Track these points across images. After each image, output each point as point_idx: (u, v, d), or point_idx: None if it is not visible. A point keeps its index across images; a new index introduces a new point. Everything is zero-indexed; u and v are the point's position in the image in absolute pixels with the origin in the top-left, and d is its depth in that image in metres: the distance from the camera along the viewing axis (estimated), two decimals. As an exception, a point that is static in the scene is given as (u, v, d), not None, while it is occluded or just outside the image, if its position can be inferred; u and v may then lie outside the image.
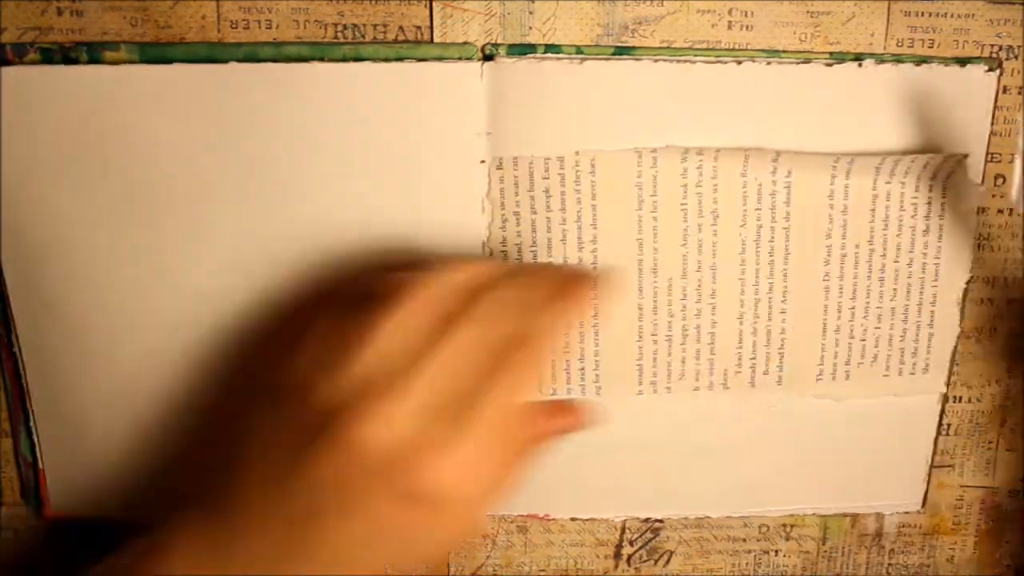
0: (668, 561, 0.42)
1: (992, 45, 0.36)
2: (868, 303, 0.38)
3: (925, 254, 0.37)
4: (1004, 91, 0.36)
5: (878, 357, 0.39)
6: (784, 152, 0.36)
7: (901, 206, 0.37)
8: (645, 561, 0.42)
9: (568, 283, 0.32)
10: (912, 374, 0.39)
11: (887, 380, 0.39)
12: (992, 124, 0.37)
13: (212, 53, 0.35)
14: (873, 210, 0.37)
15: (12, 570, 0.42)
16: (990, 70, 0.36)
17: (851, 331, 0.38)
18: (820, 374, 0.39)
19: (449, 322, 0.30)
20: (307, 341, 0.31)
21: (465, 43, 0.36)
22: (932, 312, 0.38)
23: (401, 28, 0.36)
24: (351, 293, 0.32)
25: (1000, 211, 0.38)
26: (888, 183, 0.36)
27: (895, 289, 0.38)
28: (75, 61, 0.35)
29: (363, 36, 0.36)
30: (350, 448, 0.29)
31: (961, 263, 0.38)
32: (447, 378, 0.29)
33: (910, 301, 0.38)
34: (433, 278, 0.31)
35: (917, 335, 0.39)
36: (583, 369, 0.38)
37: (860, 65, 0.35)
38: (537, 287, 0.32)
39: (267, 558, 0.29)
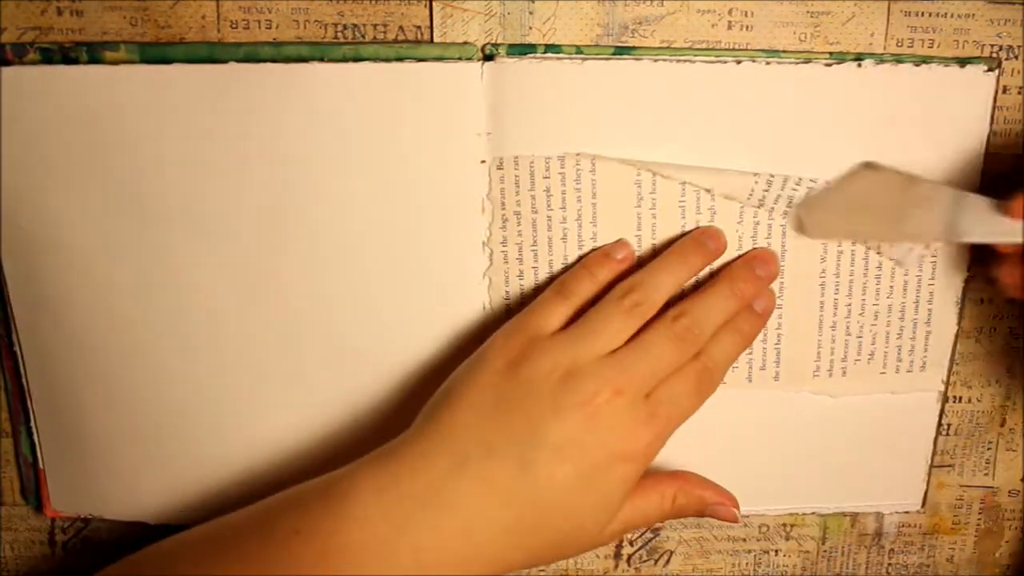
0: (668, 561, 0.42)
1: (992, 45, 0.36)
2: (865, 300, 0.38)
3: (922, 252, 0.37)
4: (1004, 91, 0.36)
5: (875, 354, 0.39)
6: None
7: (899, 204, 0.37)
8: (645, 561, 0.42)
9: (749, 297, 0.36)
10: (909, 372, 0.39)
11: (884, 377, 0.39)
12: (992, 124, 0.37)
13: (212, 53, 0.35)
14: (871, 207, 0.37)
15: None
16: (990, 70, 0.36)
17: (848, 328, 0.38)
18: (817, 370, 0.39)
19: (653, 324, 0.35)
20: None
21: (465, 43, 0.36)
22: (929, 310, 0.38)
23: (401, 28, 0.36)
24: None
25: (1000, 211, 0.38)
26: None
27: (892, 287, 0.38)
28: (75, 61, 0.35)
29: (363, 36, 0.36)
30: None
31: (959, 262, 0.38)
32: (646, 367, 0.34)
33: (907, 299, 0.38)
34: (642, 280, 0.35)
35: (914, 333, 0.39)
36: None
37: (860, 65, 0.35)
38: (727, 303, 0.36)
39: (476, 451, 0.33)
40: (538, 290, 0.37)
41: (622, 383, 0.33)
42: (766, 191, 0.36)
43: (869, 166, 0.36)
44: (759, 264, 0.36)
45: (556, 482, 0.32)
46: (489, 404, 0.33)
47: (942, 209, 0.34)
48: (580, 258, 0.37)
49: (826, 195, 0.36)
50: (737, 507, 0.37)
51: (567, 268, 0.37)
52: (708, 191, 0.36)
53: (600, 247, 0.37)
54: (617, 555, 0.42)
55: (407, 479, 0.32)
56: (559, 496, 0.33)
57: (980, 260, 0.37)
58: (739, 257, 0.37)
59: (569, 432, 0.32)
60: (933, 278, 0.38)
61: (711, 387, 0.35)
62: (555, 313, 0.35)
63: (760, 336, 0.38)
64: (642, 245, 0.37)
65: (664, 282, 0.35)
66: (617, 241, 0.37)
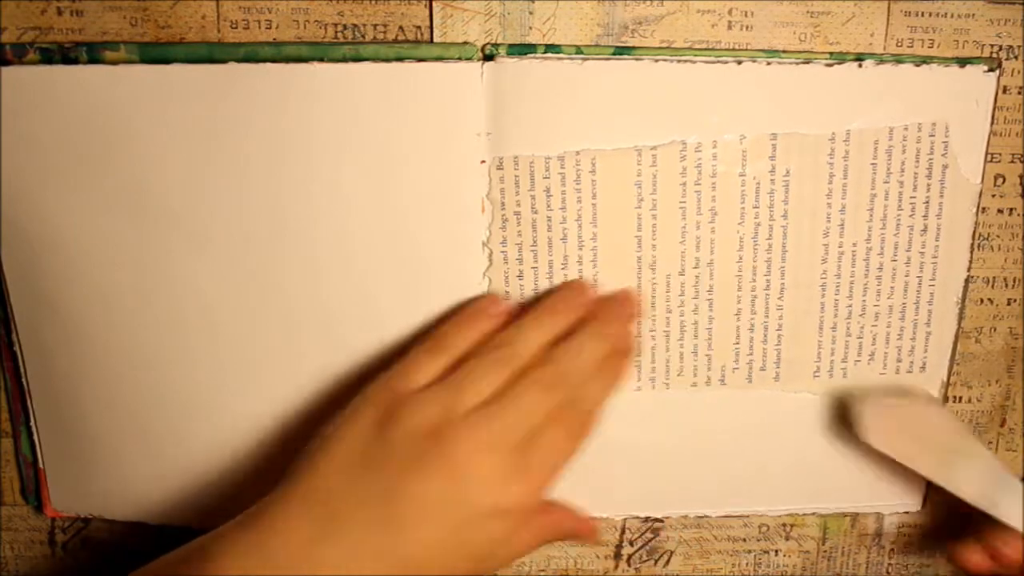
0: (668, 561, 0.42)
1: (992, 45, 0.36)
2: (865, 301, 0.38)
3: (923, 253, 0.38)
4: (1004, 91, 0.36)
5: (875, 355, 0.39)
6: (781, 135, 0.36)
7: (899, 205, 0.37)
8: (645, 561, 0.42)
9: (616, 339, 0.36)
10: (910, 372, 0.39)
11: (884, 378, 0.39)
12: (992, 124, 0.37)
13: (212, 53, 0.35)
14: (871, 209, 0.37)
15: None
16: (990, 70, 0.36)
17: (848, 329, 0.38)
18: (817, 371, 0.39)
19: (521, 375, 0.34)
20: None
21: (465, 43, 0.36)
22: (930, 311, 0.38)
23: (401, 28, 0.36)
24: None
25: (1000, 211, 0.38)
26: (886, 182, 0.37)
27: (892, 287, 0.38)
28: (75, 61, 0.35)
29: (363, 36, 0.36)
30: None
31: (959, 262, 0.38)
32: (516, 418, 0.33)
33: (907, 300, 0.38)
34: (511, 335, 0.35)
35: (915, 334, 0.39)
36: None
37: (860, 65, 0.35)
38: (597, 345, 0.35)
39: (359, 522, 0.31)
40: (538, 290, 0.37)
41: (491, 437, 0.32)
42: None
43: (932, 400, 0.39)
44: (618, 305, 0.36)
45: (424, 541, 0.31)
46: (355, 464, 0.32)
47: (981, 475, 0.36)
48: (579, 259, 0.37)
49: (890, 410, 0.38)
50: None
51: (567, 268, 0.37)
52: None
53: (474, 303, 0.36)
54: (617, 555, 0.42)
55: (270, 544, 0.31)
56: (430, 554, 0.31)
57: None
58: (600, 300, 0.37)
59: (433, 490, 0.31)
60: (933, 279, 0.38)
61: (585, 431, 0.34)
62: (424, 369, 0.34)
63: (761, 336, 0.38)
64: (642, 246, 0.37)
65: (532, 337, 0.35)
66: (487, 296, 0.37)
